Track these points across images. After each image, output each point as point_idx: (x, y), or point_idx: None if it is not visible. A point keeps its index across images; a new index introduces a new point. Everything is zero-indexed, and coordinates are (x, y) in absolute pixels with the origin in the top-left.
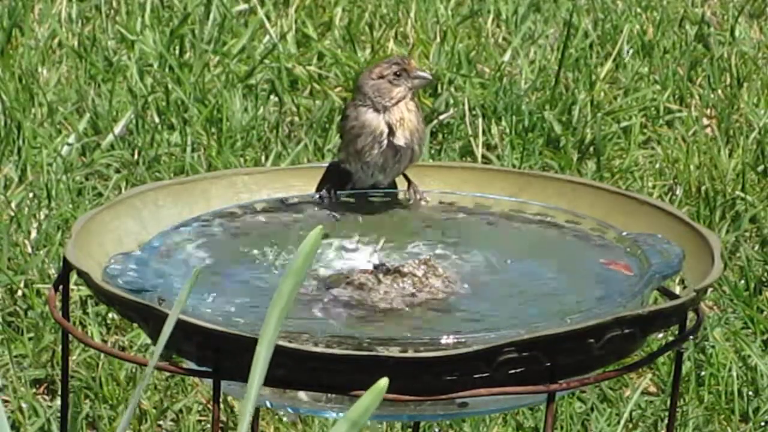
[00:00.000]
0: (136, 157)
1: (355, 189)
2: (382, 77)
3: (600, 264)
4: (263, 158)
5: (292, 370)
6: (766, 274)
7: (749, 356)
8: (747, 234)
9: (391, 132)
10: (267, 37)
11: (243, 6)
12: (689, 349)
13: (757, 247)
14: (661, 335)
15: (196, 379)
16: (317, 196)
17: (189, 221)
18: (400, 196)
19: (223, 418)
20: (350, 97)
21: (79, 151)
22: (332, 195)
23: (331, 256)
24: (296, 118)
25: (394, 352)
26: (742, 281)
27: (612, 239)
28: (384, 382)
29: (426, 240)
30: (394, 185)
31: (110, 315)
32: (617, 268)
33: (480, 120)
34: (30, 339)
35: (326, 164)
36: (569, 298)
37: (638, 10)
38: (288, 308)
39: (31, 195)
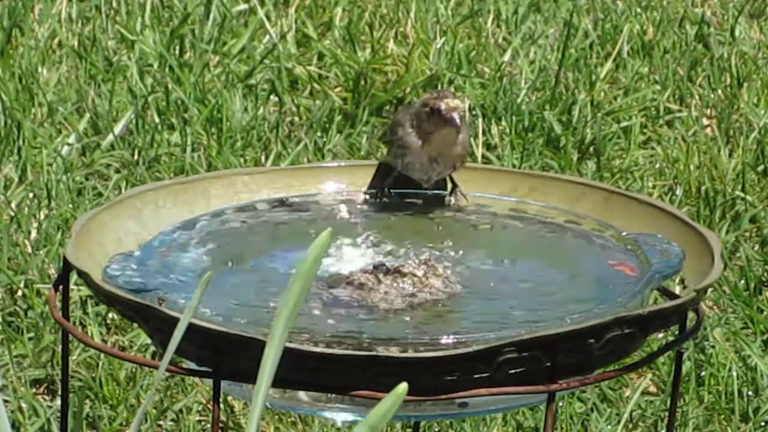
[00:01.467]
0: (136, 157)
1: (401, 188)
2: (425, 105)
3: (601, 264)
4: (263, 158)
5: (292, 370)
6: (766, 274)
7: (749, 356)
8: (747, 234)
9: (435, 159)
10: (267, 37)
11: (243, 6)
12: (689, 349)
13: (757, 247)
14: (661, 335)
15: (196, 379)
16: (370, 193)
17: (189, 221)
18: (444, 198)
19: (223, 418)
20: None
21: (79, 151)
22: (384, 193)
23: (333, 256)
24: (296, 118)
25: (394, 352)
26: (742, 281)
27: (612, 239)
28: (404, 386)
29: (426, 240)
30: (443, 185)
31: (110, 315)
32: (623, 269)
33: (480, 120)
34: (30, 339)
35: (327, 164)
36: (569, 298)
37: (638, 10)
38: (296, 311)
39: (31, 195)
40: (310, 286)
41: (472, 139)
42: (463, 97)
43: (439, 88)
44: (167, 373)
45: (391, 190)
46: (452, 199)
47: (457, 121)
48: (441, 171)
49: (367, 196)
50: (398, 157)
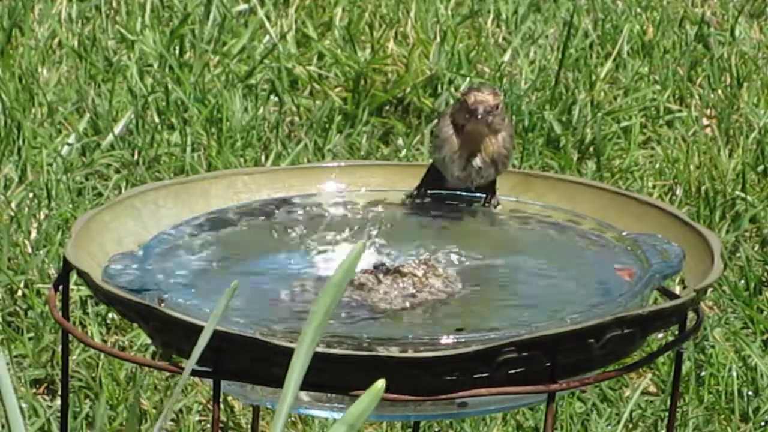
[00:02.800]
0: (136, 157)
1: (445, 189)
2: (465, 100)
3: (601, 264)
4: (263, 158)
5: None
6: (766, 274)
7: (749, 356)
8: (747, 234)
9: (471, 154)
10: (267, 37)
11: (243, 6)
12: (689, 349)
13: (757, 247)
14: (661, 335)
15: (196, 379)
16: (409, 193)
17: (189, 221)
18: (481, 202)
19: (223, 418)
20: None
21: (79, 151)
22: (422, 194)
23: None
24: (296, 118)
25: (394, 352)
26: (742, 281)
27: (612, 239)
28: (381, 383)
29: (426, 239)
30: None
31: (110, 315)
32: (622, 274)
33: None
34: (30, 339)
35: (328, 164)
36: (569, 298)
37: (638, 10)
38: (326, 321)
39: (31, 195)
40: (342, 296)
41: None
42: (499, 95)
43: (478, 83)
44: (168, 373)
45: (428, 191)
46: (486, 203)
47: (480, 113)
48: (482, 169)
49: (407, 197)
50: (435, 149)
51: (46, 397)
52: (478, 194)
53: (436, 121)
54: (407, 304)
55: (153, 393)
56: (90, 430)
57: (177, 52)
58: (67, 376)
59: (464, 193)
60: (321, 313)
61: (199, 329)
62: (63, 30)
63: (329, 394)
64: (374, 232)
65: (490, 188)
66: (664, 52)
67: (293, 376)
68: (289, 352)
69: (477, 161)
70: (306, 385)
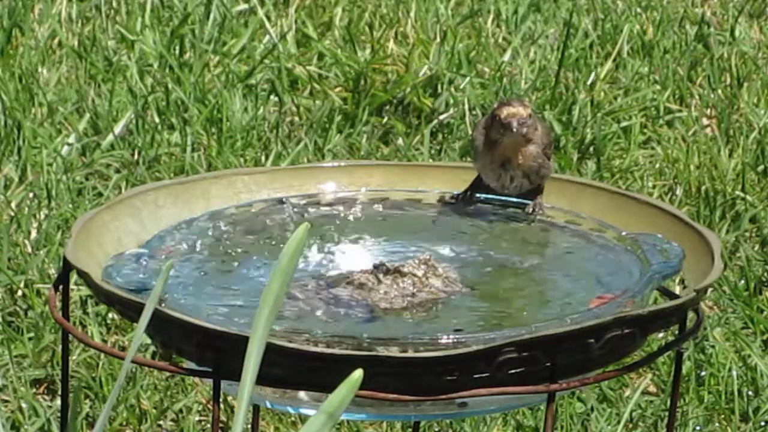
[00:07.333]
0: (136, 157)
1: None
2: (492, 112)
3: (601, 264)
4: (263, 158)
5: (292, 370)
6: (766, 274)
7: (749, 356)
8: (747, 234)
9: (503, 165)
10: (267, 37)
11: (243, 6)
12: (689, 349)
13: (757, 247)
14: (661, 335)
15: (196, 379)
16: (453, 195)
17: (189, 220)
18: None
19: (223, 418)
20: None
21: (79, 151)
22: (466, 197)
23: (335, 256)
24: (296, 118)
25: (394, 352)
26: (742, 281)
27: (612, 239)
28: (358, 373)
29: (426, 239)
30: (530, 195)
31: (110, 315)
32: (592, 303)
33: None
34: (30, 339)
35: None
36: (569, 298)
37: (638, 10)
38: (278, 306)
39: (31, 195)
40: (291, 281)
41: None
42: (529, 106)
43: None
44: (167, 373)
45: (474, 195)
46: (530, 209)
47: (514, 127)
48: (514, 179)
49: (453, 199)
50: (472, 159)
51: (46, 397)
52: (524, 200)
53: (473, 129)
54: (407, 304)
55: (153, 393)
56: (90, 430)
57: (177, 52)
58: (67, 376)
59: (511, 198)
60: (272, 299)
61: (200, 329)
62: (63, 30)
63: (329, 395)
64: (372, 234)
65: (535, 194)
66: (664, 52)
67: (249, 365)
68: (288, 352)
69: (509, 174)
70: (306, 385)
